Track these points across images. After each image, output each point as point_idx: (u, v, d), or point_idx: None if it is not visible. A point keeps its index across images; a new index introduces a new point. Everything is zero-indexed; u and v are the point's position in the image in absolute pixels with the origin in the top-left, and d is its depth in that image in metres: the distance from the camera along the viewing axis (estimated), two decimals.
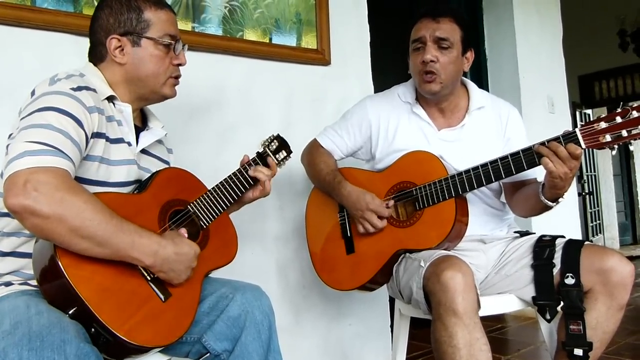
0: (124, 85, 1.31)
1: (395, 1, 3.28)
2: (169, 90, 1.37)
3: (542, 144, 1.47)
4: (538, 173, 1.64)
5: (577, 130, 1.43)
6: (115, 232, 1.07)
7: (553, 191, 1.50)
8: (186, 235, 1.25)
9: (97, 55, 1.31)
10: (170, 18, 1.34)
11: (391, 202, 1.68)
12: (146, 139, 1.36)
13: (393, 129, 1.79)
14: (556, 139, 1.45)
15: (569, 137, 1.44)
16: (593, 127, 1.41)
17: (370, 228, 1.67)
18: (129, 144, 1.30)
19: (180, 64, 1.38)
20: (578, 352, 1.47)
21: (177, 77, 1.39)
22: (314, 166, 1.87)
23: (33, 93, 1.18)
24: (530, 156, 1.49)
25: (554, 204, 1.55)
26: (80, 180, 1.17)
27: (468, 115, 1.76)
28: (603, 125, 1.40)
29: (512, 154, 1.52)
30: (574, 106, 6.01)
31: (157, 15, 1.31)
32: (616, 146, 1.40)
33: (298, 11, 2.26)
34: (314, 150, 1.91)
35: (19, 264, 1.18)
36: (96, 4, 1.72)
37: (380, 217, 1.66)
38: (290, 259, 2.21)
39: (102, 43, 1.29)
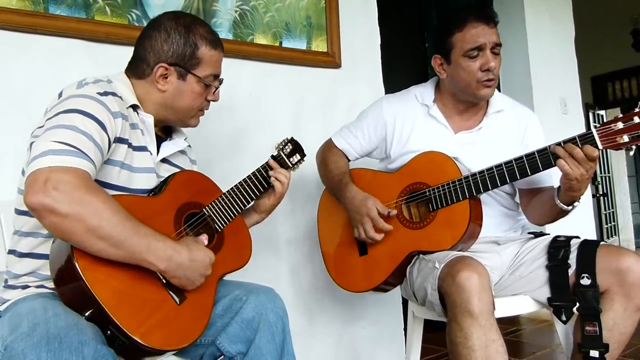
0: (154, 106, 1.33)
1: (405, 3, 3.27)
2: (194, 122, 1.41)
3: (558, 144, 1.45)
4: (555, 180, 1.62)
5: (593, 130, 1.41)
6: (131, 235, 1.07)
7: (569, 193, 1.49)
8: (206, 242, 1.25)
9: (137, 71, 1.33)
10: (220, 58, 1.37)
11: (394, 212, 1.66)
12: (167, 148, 1.38)
13: (408, 130, 1.78)
14: (572, 139, 1.43)
15: (585, 138, 1.42)
16: (610, 127, 1.39)
17: (363, 235, 1.67)
18: (150, 152, 1.32)
19: (214, 100, 1.40)
20: (594, 354, 1.45)
21: (205, 109, 1.42)
22: (325, 166, 1.88)
23: (60, 95, 1.20)
24: (545, 157, 1.47)
25: (570, 207, 1.53)
26: (101, 184, 1.18)
27: (486, 118, 1.75)
28: (620, 125, 1.37)
29: (527, 155, 1.51)
30: (587, 107, 5.96)
31: (210, 54, 1.33)
32: (634, 147, 1.38)
33: (308, 14, 2.26)
34: (327, 150, 1.92)
35: (36, 264, 1.19)
36: (108, 10, 1.76)
37: (378, 230, 1.66)
38: (303, 262, 2.21)
39: (148, 64, 1.31)
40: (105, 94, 1.20)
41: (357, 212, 1.69)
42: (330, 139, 1.93)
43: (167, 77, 1.31)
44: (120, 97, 1.25)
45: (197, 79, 1.33)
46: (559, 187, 1.52)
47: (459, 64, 1.66)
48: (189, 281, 1.18)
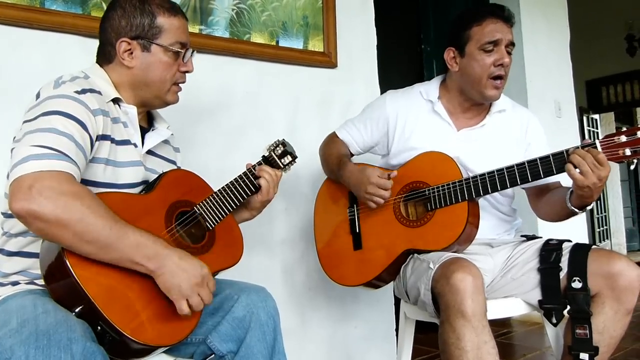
0: (129, 89, 1.31)
1: (402, 4, 3.28)
2: (171, 97, 1.38)
3: (563, 152, 1.45)
4: (561, 177, 1.62)
5: (597, 142, 1.42)
6: (119, 238, 1.06)
7: (582, 200, 1.49)
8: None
9: (105, 55, 1.32)
10: (182, 25, 1.34)
11: (393, 173, 1.66)
12: (152, 139, 1.37)
13: (410, 126, 1.78)
14: (576, 148, 1.44)
15: (588, 147, 1.42)
16: (613, 140, 1.40)
17: (380, 200, 1.65)
18: (135, 145, 1.30)
19: (187, 71, 1.38)
20: (584, 356, 1.45)
21: (181, 83, 1.39)
22: (327, 154, 1.88)
23: (38, 95, 1.18)
24: (547, 164, 1.47)
25: (581, 211, 1.54)
26: (88, 182, 1.17)
27: (489, 116, 1.76)
28: (624, 138, 1.39)
29: (529, 161, 1.51)
30: (581, 111, 6.00)
31: (170, 22, 1.31)
32: (635, 160, 1.39)
33: (305, 14, 2.26)
34: (330, 142, 1.92)
35: (25, 263, 1.19)
36: (104, 6, 1.75)
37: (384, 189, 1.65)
38: (296, 261, 2.21)
39: (112, 44, 1.29)
40: (84, 91, 1.18)
41: (359, 183, 1.68)
42: (334, 132, 1.93)
43: (132, 53, 1.29)
44: (99, 92, 1.23)
45: (162, 49, 1.30)
46: (571, 191, 1.52)
47: (473, 57, 1.67)
48: (180, 292, 1.12)
